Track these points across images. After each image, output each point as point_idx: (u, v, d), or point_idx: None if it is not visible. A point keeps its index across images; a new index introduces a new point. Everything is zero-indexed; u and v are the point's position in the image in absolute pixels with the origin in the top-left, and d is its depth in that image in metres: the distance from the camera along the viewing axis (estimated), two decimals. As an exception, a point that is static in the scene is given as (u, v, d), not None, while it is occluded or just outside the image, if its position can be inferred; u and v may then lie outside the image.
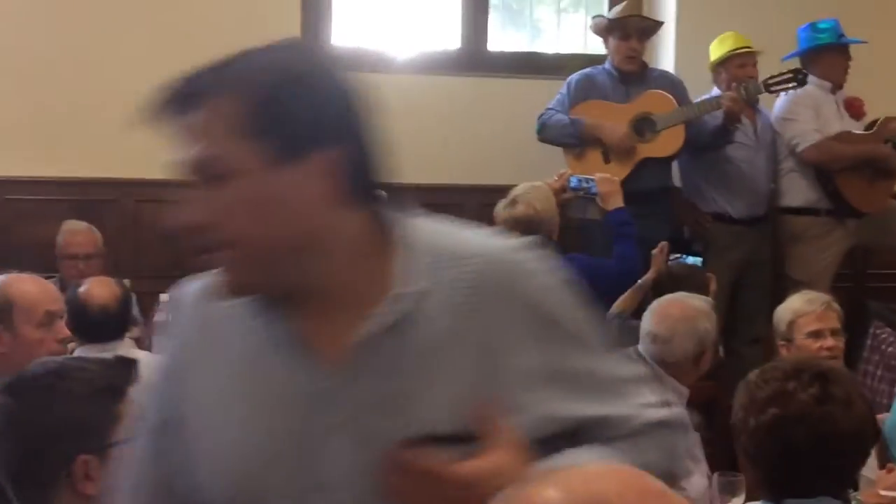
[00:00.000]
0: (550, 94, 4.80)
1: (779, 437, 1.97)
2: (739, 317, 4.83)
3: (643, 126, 4.64)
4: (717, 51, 4.89)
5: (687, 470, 3.08)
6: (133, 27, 4.85)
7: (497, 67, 5.25)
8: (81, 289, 3.47)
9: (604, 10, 5.23)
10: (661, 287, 3.76)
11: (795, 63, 4.89)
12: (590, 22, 4.99)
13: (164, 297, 3.66)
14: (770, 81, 4.69)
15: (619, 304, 3.94)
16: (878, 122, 4.94)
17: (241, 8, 4.87)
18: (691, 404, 3.29)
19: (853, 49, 4.93)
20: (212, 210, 1.21)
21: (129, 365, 1.84)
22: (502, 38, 5.45)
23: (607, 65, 4.81)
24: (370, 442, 1.22)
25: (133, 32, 4.84)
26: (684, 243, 4.82)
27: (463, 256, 1.28)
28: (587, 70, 4.84)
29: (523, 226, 3.90)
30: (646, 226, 4.23)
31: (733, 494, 2.58)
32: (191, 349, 1.33)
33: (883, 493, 2.53)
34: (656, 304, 3.32)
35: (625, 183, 4.37)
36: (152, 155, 1.39)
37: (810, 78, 4.78)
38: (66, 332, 2.70)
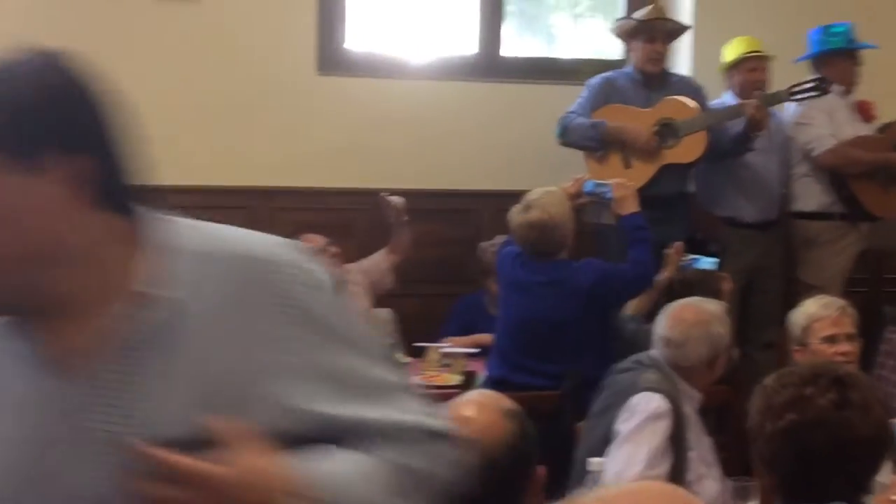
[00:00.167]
0: (566, 99, 4.77)
1: (796, 442, 1.97)
2: (751, 321, 4.81)
3: (665, 131, 4.61)
4: (728, 54, 4.88)
5: (698, 474, 3.09)
6: (146, 33, 4.78)
7: (513, 73, 5.23)
8: None
9: (620, 14, 5.18)
10: (674, 292, 3.76)
11: (808, 66, 4.89)
12: (611, 25, 4.94)
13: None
14: (794, 90, 4.66)
15: (632, 306, 3.95)
16: (890, 126, 4.94)
17: (256, 13, 4.85)
18: (705, 409, 3.30)
19: (864, 52, 4.92)
20: None
21: None
22: (518, 44, 5.44)
23: (628, 68, 4.79)
24: (110, 449, 1.18)
25: (146, 38, 4.77)
26: (700, 244, 4.80)
27: (222, 257, 1.26)
28: (608, 73, 4.81)
29: (537, 231, 3.90)
30: (664, 231, 4.22)
31: (746, 499, 2.58)
32: None
33: (895, 498, 2.53)
34: (670, 309, 3.32)
35: (644, 187, 4.36)
36: None
37: (821, 82, 4.77)
38: None
